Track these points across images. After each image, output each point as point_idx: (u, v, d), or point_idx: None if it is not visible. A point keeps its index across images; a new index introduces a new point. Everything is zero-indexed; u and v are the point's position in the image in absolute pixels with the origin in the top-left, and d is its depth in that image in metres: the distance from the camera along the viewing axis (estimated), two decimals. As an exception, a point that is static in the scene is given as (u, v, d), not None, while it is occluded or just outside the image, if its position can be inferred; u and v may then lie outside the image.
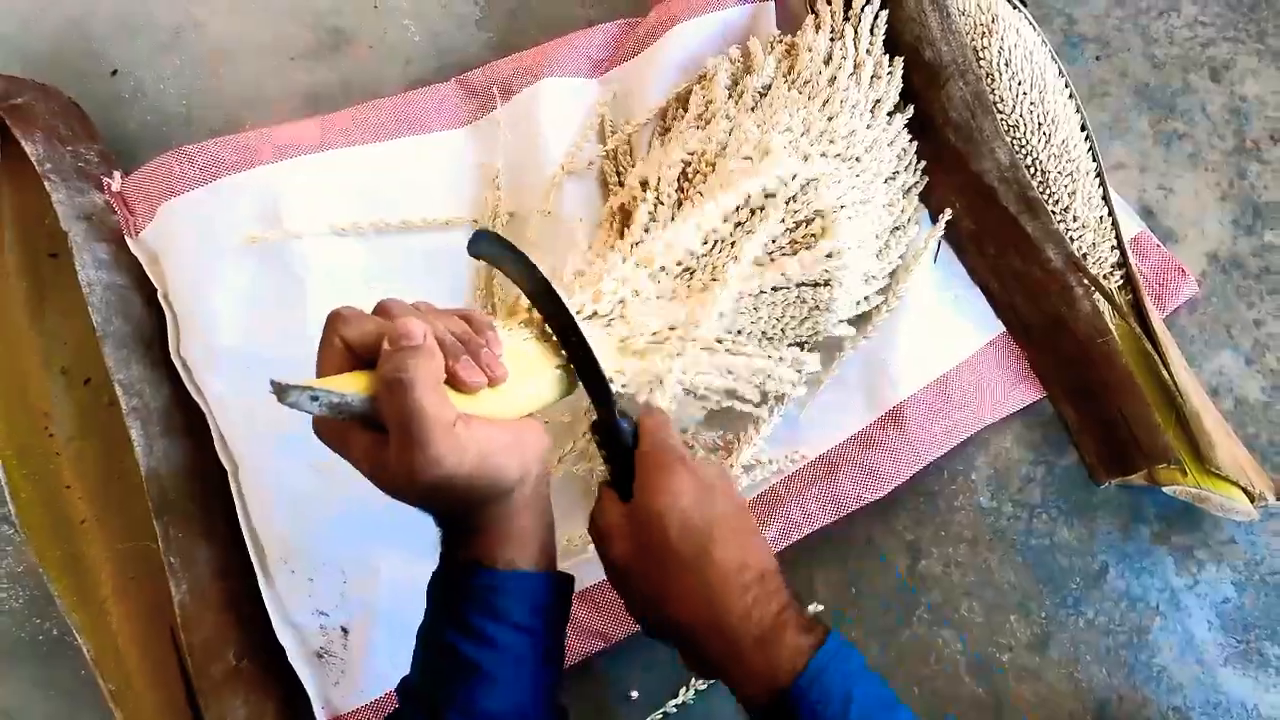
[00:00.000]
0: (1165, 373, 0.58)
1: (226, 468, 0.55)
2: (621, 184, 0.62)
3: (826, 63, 0.59)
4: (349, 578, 0.54)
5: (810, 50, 0.59)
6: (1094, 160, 0.61)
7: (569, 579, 0.41)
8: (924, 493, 0.60)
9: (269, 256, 0.57)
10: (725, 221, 0.50)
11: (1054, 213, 0.60)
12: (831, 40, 0.60)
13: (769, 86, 0.60)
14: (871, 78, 0.60)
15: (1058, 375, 0.61)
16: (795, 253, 0.51)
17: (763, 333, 0.53)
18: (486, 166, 0.63)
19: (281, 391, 0.30)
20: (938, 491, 0.60)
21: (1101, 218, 0.61)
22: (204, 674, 0.52)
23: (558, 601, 0.40)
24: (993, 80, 0.60)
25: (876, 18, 0.60)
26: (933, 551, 0.59)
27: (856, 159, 0.56)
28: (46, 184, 0.57)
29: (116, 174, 0.59)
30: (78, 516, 0.57)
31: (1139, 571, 0.59)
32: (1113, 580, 0.59)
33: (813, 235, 0.52)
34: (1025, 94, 0.59)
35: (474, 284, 0.61)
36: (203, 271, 0.57)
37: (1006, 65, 0.59)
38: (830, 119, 0.56)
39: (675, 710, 0.56)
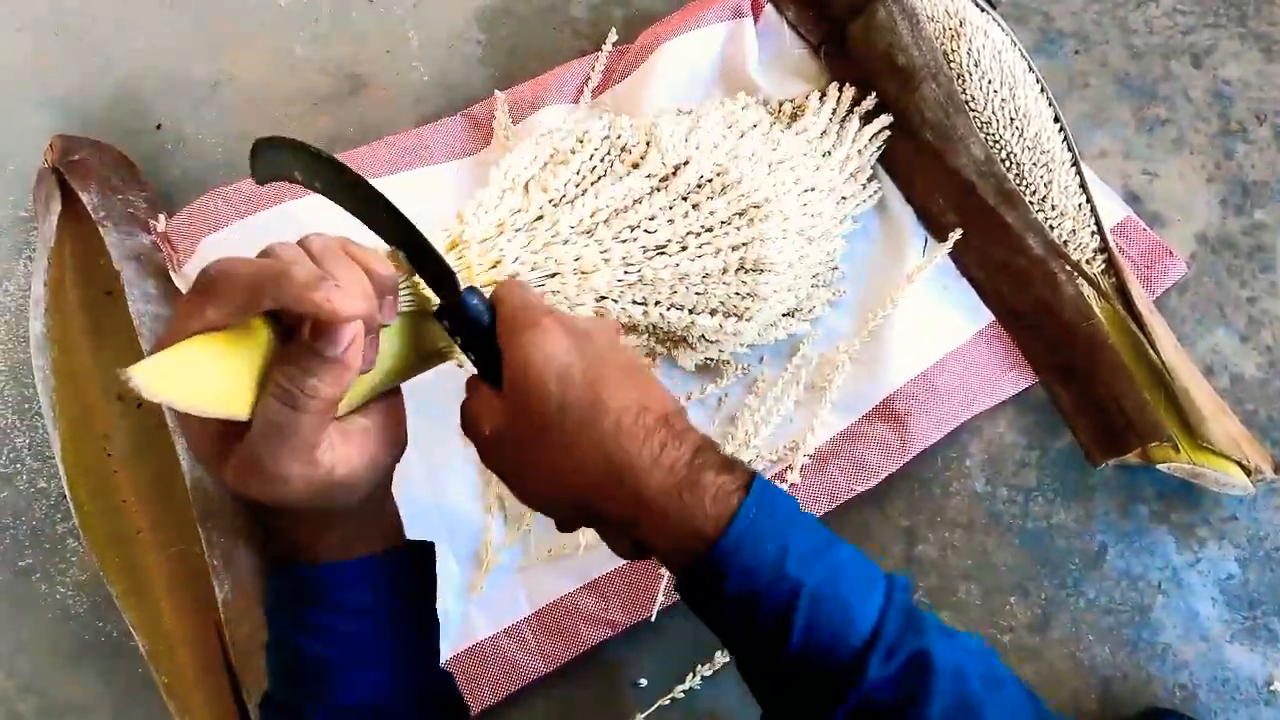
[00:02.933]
0: (1152, 351, 0.59)
1: (262, 477, 0.60)
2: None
3: (821, 137, 0.62)
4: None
5: (816, 115, 0.62)
6: (1069, 150, 0.63)
7: (421, 547, 0.39)
8: (918, 479, 0.62)
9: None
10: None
11: (1032, 203, 0.62)
12: (830, 122, 0.63)
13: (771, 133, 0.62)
14: (853, 172, 0.63)
15: (1048, 359, 0.62)
16: (726, 230, 0.51)
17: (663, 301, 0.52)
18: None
19: (127, 378, 0.27)
20: (931, 478, 0.62)
21: (1080, 205, 0.62)
22: (247, 666, 0.57)
23: (405, 575, 0.38)
24: (963, 80, 0.62)
25: (881, 131, 0.63)
26: (928, 537, 0.61)
27: (809, 240, 0.58)
28: (100, 229, 0.64)
29: (161, 217, 0.66)
30: (134, 527, 0.63)
31: (1139, 551, 0.60)
32: (1112, 560, 0.60)
33: (741, 217, 0.52)
34: (996, 92, 0.61)
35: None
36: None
37: (976, 65, 0.61)
38: (813, 188, 0.58)
39: (683, 696, 0.58)
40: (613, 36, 0.71)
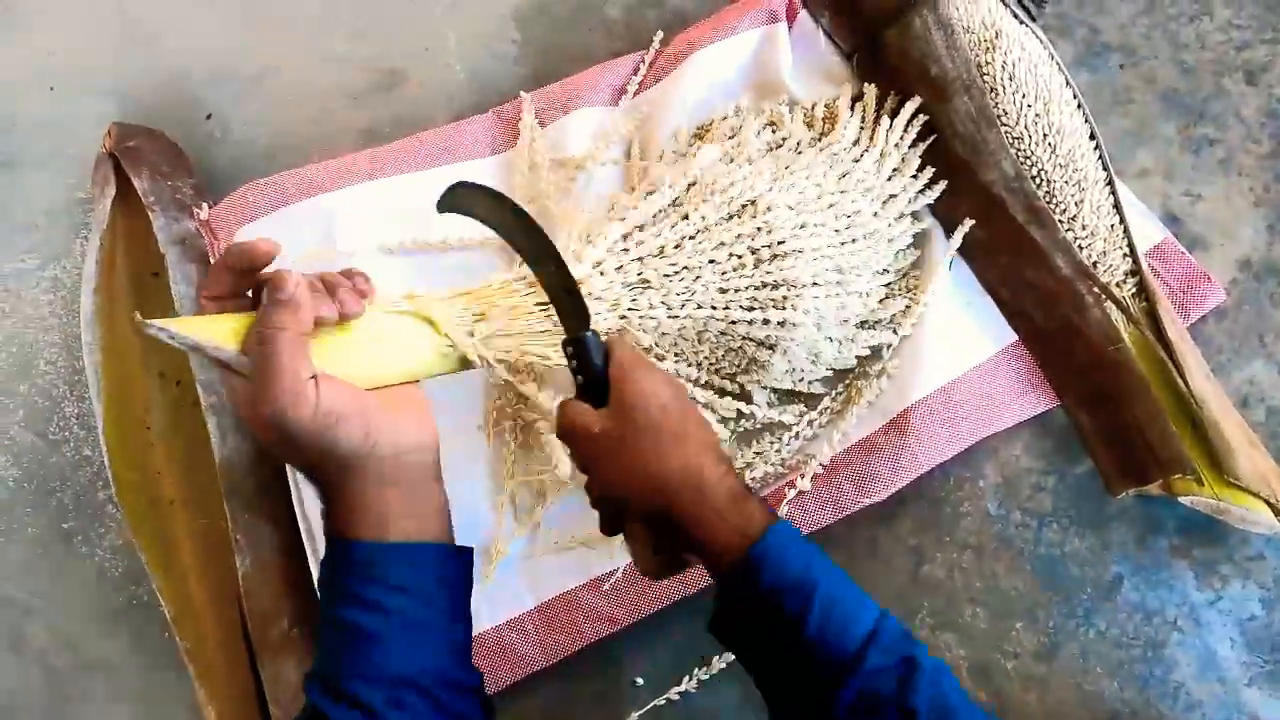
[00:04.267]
0: (1180, 380, 0.57)
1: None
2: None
3: (855, 144, 0.62)
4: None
5: (845, 128, 0.62)
6: (1104, 169, 0.61)
7: (464, 551, 0.43)
8: (929, 498, 0.61)
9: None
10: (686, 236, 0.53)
11: (1061, 222, 0.60)
12: (862, 128, 0.63)
13: (799, 146, 0.63)
14: (893, 170, 0.62)
15: (1071, 383, 0.61)
16: (751, 309, 0.54)
17: (694, 363, 0.56)
18: (520, 191, 0.69)
19: (143, 325, 0.36)
20: (943, 497, 0.61)
21: (1113, 225, 0.60)
22: (262, 638, 0.60)
23: (453, 569, 0.42)
24: (996, 94, 0.61)
25: (914, 117, 0.62)
26: (936, 557, 0.60)
27: (853, 240, 0.58)
28: (149, 213, 0.68)
29: (205, 205, 0.69)
30: (167, 498, 0.67)
31: (1155, 584, 0.58)
32: (1127, 592, 0.58)
33: (773, 301, 0.54)
34: (1029, 106, 0.60)
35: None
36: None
37: (1010, 79, 0.60)
38: (842, 192, 0.58)
39: (679, 697, 0.59)
40: (657, 39, 0.71)
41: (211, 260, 0.67)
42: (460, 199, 0.44)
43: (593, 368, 0.44)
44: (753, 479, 0.60)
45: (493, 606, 0.59)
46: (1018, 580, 0.59)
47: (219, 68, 0.78)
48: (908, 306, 0.62)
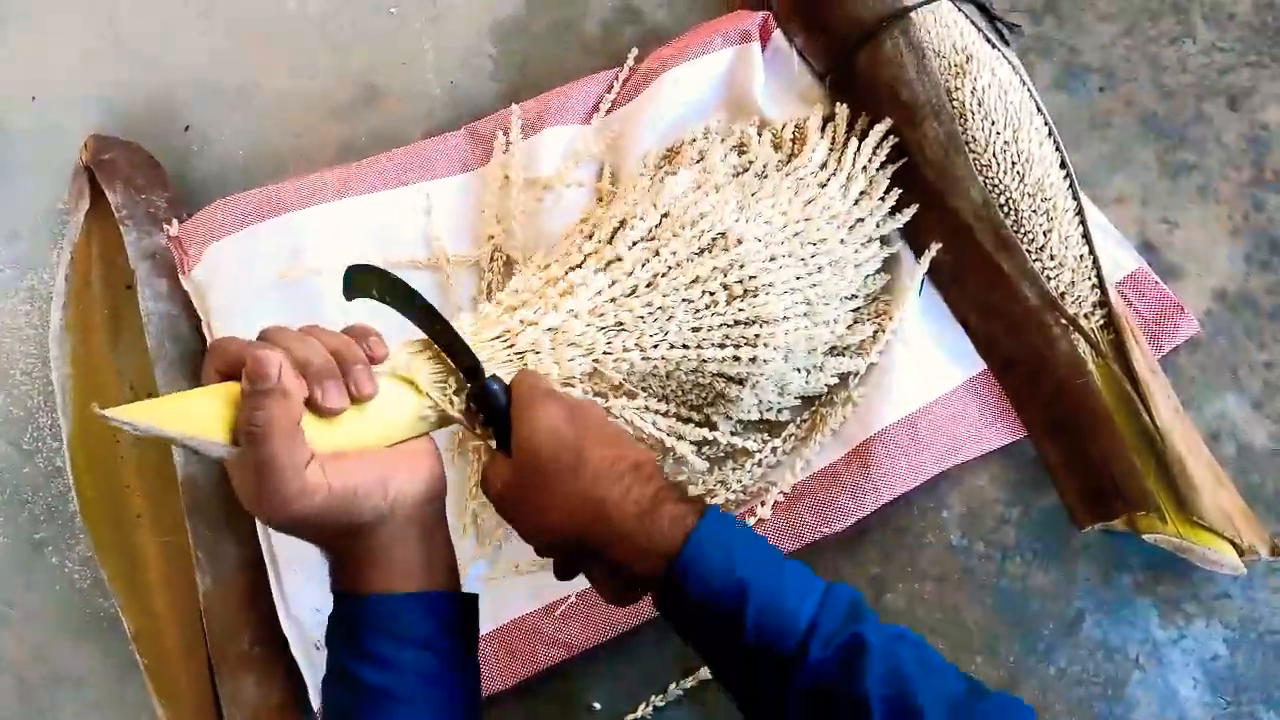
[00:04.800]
0: (1146, 415, 0.56)
1: (249, 476, 0.63)
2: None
3: (822, 168, 0.61)
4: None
5: (814, 151, 0.61)
6: (1074, 199, 0.60)
7: (470, 597, 0.43)
8: (892, 528, 0.61)
9: (293, 292, 0.65)
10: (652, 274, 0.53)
11: (1029, 251, 0.59)
12: (830, 150, 0.62)
13: (764, 170, 0.62)
14: (861, 194, 0.61)
15: (1037, 414, 0.60)
16: (723, 345, 0.53)
17: (662, 397, 0.56)
18: (489, 210, 0.68)
19: (103, 418, 0.32)
20: (906, 527, 0.61)
21: (1081, 256, 0.59)
22: (222, 655, 0.60)
23: (461, 617, 0.42)
24: (965, 120, 0.60)
25: (884, 139, 0.61)
26: (898, 586, 0.60)
27: (818, 269, 0.57)
28: (121, 227, 0.68)
29: (175, 221, 0.69)
30: (134, 511, 0.67)
31: (1118, 621, 0.57)
32: (1089, 629, 0.57)
33: (745, 339, 0.53)
34: (999, 134, 0.59)
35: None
36: (238, 304, 0.65)
37: (980, 105, 0.59)
38: (807, 219, 0.58)
39: (635, 723, 0.59)
40: (631, 57, 0.70)
41: (181, 277, 0.68)
42: (359, 285, 0.44)
43: (499, 414, 0.42)
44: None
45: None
46: (979, 613, 0.59)
47: (201, 81, 0.79)
48: (876, 332, 0.62)
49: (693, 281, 0.53)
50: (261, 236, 0.66)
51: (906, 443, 0.60)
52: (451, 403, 0.43)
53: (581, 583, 0.43)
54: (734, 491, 0.60)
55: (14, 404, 0.71)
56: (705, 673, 0.57)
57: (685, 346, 0.52)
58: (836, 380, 0.61)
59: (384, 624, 0.39)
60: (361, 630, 0.39)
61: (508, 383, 0.43)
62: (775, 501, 0.59)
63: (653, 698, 0.59)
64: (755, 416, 0.59)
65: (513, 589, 0.60)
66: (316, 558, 0.60)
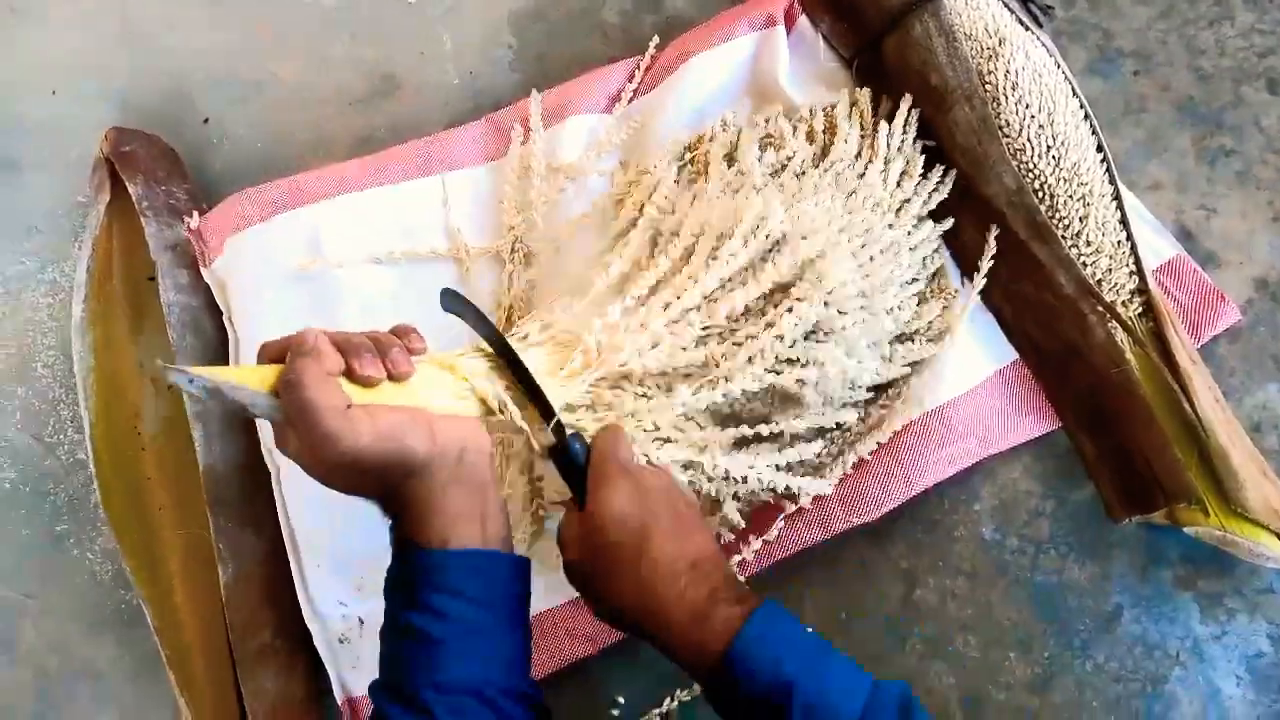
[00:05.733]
0: (1188, 405, 0.55)
1: (271, 470, 0.63)
2: (634, 223, 0.62)
3: (857, 157, 0.60)
4: (365, 575, 0.60)
5: (846, 141, 0.60)
6: (1111, 183, 0.58)
7: (523, 560, 0.44)
8: (923, 521, 0.59)
9: (314, 284, 0.65)
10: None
11: (1064, 238, 0.58)
12: (862, 137, 0.61)
13: (801, 168, 0.60)
14: (901, 175, 0.59)
15: (1073, 405, 0.58)
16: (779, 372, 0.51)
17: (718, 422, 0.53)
18: (509, 200, 0.68)
19: (164, 372, 0.36)
20: (938, 521, 0.59)
21: (1119, 242, 0.58)
22: (243, 648, 0.60)
23: (509, 577, 0.43)
24: (998, 104, 0.59)
25: (909, 116, 0.60)
26: (929, 582, 0.58)
27: (870, 259, 0.55)
28: (142, 219, 0.68)
29: (195, 213, 0.69)
30: (156, 504, 0.67)
31: (1158, 617, 0.56)
32: (1127, 624, 0.56)
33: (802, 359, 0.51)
34: (1033, 117, 0.58)
35: (493, 308, 0.66)
36: (259, 296, 0.65)
37: (1013, 89, 0.58)
38: (850, 213, 0.56)
39: (660, 718, 0.58)
40: (653, 45, 0.69)
41: (202, 269, 0.67)
42: (456, 305, 0.46)
43: (575, 474, 0.44)
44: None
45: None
46: (1012, 609, 0.57)
47: (219, 73, 0.78)
48: (945, 308, 0.60)
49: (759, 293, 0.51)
50: (282, 228, 0.66)
51: (938, 433, 0.58)
52: (493, 392, 0.44)
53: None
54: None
55: (36, 396, 0.71)
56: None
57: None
58: (909, 369, 0.58)
59: (434, 576, 0.40)
60: (414, 581, 0.40)
61: (588, 440, 0.45)
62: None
63: (678, 692, 0.58)
64: (821, 419, 0.56)
65: (540, 583, 0.58)
66: (339, 550, 0.60)
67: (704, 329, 0.50)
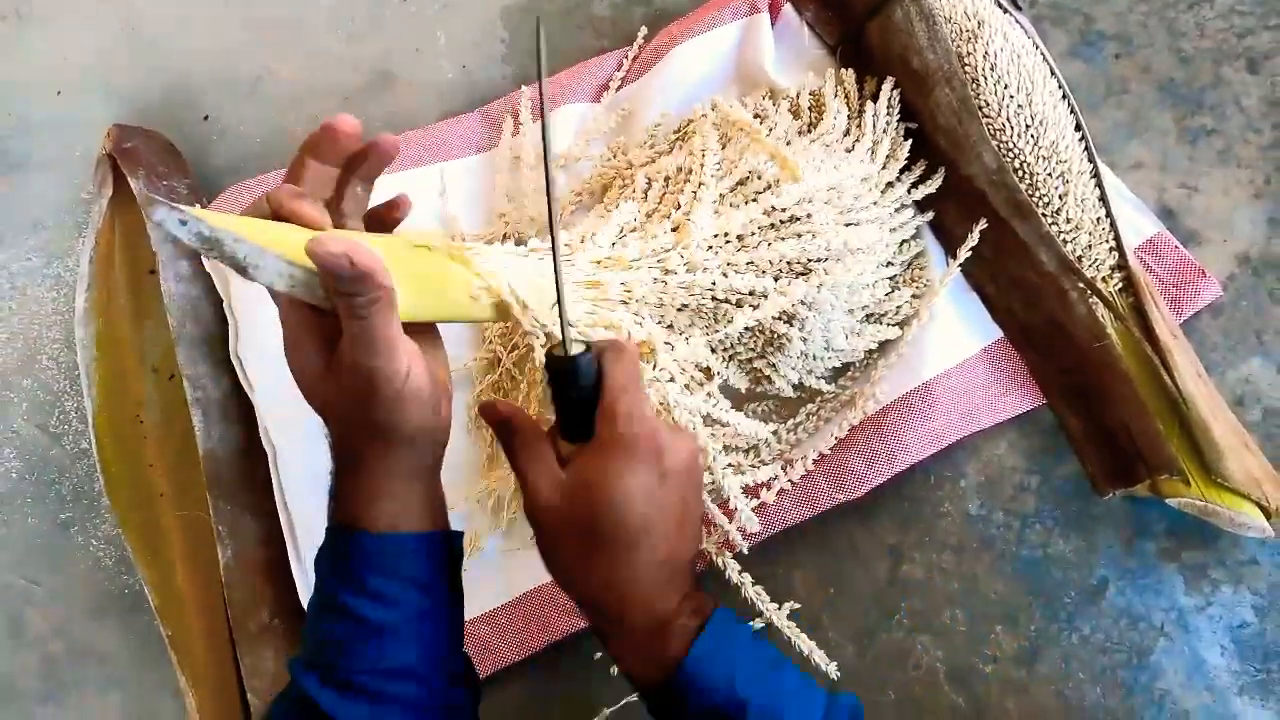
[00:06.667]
0: (1169, 379, 0.55)
1: (268, 452, 0.64)
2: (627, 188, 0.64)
3: (845, 134, 0.61)
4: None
5: (835, 116, 0.61)
6: (1089, 161, 0.59)
7: (459, 534, 0.43)
8: (908, 497, 0.60)
9: (310, 271, 0.66)
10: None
11: (1044, 215, 0.59)
12: (849, 117, 0.62)
13: (786, 137, 0.61)
14: (887, 156, 0.61)
15: (1056, 381, 0.59)
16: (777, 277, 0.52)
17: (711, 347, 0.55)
18: (501, 189, 0.69)
19: (152, 208, 0.29)
20: (923, 497, 0.60)
21: (1098, 219, 0.59)
22: (242, 628, 0.61)
23: (452, 556, 0.42)
24: (978, 85, 0.59)
25: (891, 97, 0.61)
26: (915, 557, 0.59)
27: (857, 223, 0.56)
28: (144, 212, 0.69)
29: (196, 206, 0.70)
30: (157, 490, 0.68)
31: (1142, 589, 0.56)
32: (1112, 596, 0.56)
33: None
34: (1011, 97, 0.59)
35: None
36: (258, 285, 0.66)
37: (992, 69, 0.59)
38: (839, 175, 0.57)
39: (651, 695, 0.58)
40: (641, 35, 0.71)
41: (203, 257, 0.69)
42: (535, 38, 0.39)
43: (573, 399, 0.37)
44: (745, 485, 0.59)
45: (468, 601, 0.59)
46: (999, 582, 0.58)
47: (217, 71, 0.80)
48: (914, 296, 0.61)
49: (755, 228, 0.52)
50: (279, 217, 0.67)
51: (922, 410, 0.59)
52: (507, 288, 0.40)
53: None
54: (766, 458, 0.59)
55: (41, 388, 0.73)
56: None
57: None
58: (875, 346, 0.60)
59: (382, 562, 0.38)
60: (358, 565, 0.38)
61: (596, 357, 0.38)
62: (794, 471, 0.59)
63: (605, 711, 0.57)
64: (800, 372, 0.58)
65: (529, 560, 0.59)
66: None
67: (708, 246, 0.51)
